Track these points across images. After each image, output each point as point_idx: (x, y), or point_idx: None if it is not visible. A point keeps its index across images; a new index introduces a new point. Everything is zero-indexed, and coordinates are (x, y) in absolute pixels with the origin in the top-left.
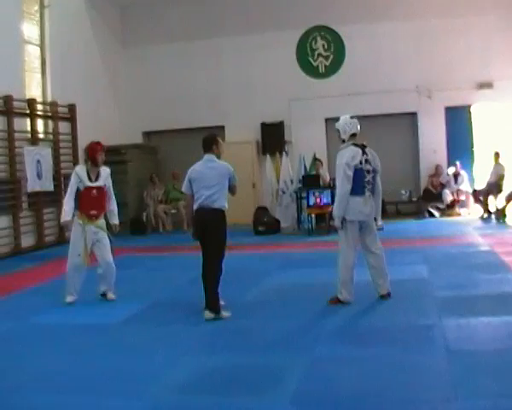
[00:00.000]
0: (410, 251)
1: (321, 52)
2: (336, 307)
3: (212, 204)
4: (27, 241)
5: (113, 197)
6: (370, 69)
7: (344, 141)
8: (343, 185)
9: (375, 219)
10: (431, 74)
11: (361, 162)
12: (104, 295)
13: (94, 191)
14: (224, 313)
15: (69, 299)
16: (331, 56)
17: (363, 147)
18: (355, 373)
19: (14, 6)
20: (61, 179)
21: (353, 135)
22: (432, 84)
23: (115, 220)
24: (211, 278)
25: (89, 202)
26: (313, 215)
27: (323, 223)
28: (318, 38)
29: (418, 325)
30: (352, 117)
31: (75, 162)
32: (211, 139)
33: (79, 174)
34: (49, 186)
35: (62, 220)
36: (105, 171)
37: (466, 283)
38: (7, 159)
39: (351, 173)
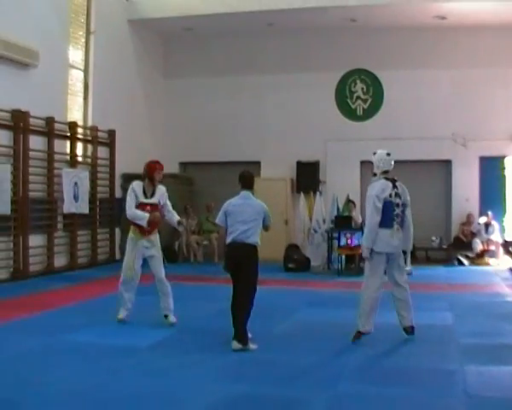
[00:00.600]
0: (436, 297)
1: (359, 95)
2: (360, 346)
3: (247, 239)
4: (60, 261)
5: (172, 210)
6: (407, 115)
7: (375, 174)
8: (372, 217)
9: (405, 259)
10: (467, 123)
11: (390, 195)
12: (166, 316)
13: (148, 207)
14: (252, 346)
15: (121, 315)
16: (369, 100)
17: (393, 181)
18: None
19: (61, 30)
20: (96, 203)
21: (385, 171)
22: (467, 133)
23: (176, 217)
24: (242, 311)
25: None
26: (343, 256)
27: (353, 264)
28: (358, 81)
29: (440, 369)
30: (388, 154)
31: (112, 187)
32: (251, 177)
33: (135, 190)
34: (84, 209)
35: (148, 218)
36: (160, 189)
37: (490, 331)
38: (45, 179)
39: (380, 205)
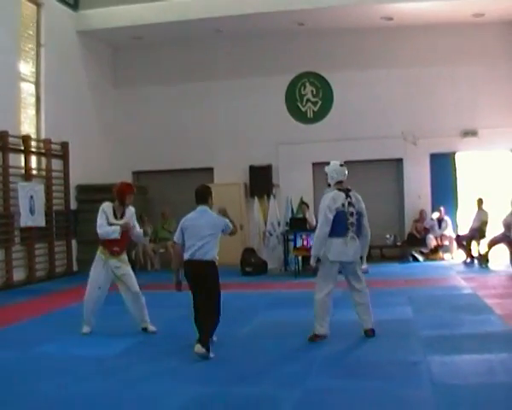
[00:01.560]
0: (394, 293)
1: (309, 98)
2: (324, 343)
3: (204, 256)
4: (18, 275)
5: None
6: (358, 116)
7: (329, 185)
8: (321, 227)
9: (361, 260)
10: (417, 121)
11: (343, 205)
12: (145, 329)
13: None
14: (211, 354)
15: (85, 329)
16: (319, 102)
17: (347, 191)
18: (345, 405)
19: (11, 43)
20: (52, 215)
21: (339, 182)
22: (417, 131)
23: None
24: (208, 323)
25: (112, 239)
26: (300, 257)
27: (309, 264)
28: (307, 84)
29: (404, 361)
30: (341, 165)
31: (67, 199)
32: (205, 191)
33: (106, 211)
34: (41, 222)
35: (120, 227)
36: (130, 210)
37: (450, 323)
38: (1, 193)
39: (331, 216)
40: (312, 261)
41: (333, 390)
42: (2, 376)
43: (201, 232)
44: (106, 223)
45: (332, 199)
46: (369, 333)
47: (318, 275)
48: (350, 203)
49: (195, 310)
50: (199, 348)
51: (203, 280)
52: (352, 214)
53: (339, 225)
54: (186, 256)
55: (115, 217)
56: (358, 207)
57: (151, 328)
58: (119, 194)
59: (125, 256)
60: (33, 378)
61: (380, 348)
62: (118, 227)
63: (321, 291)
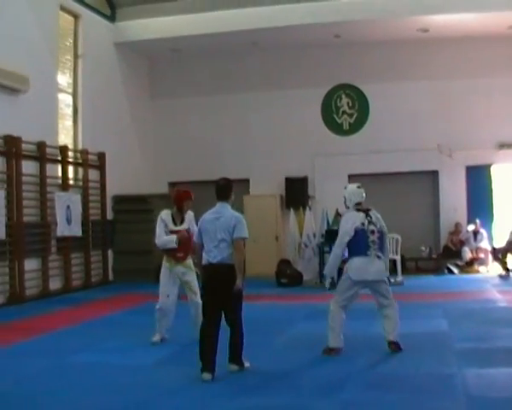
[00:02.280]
0: (429, 306)
1: (345, 110)
2: (359, 354)
3: (223, 260)
4: (55, 284)
5: None
6: (393, 127)
7: (348, 208)
8: (335, 249)
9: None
10: (452, 134)
11: (363, 224)
12: None
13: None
14: (246, 364)
15: (155, 338)
16: (355, 114)
17: (366, 211)
18: None
19: (49, 54)
20: (89, 225)
21: (358, 204)
22: (453, 144)
23: None
24: (236, 333)
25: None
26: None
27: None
28: (343, 96)
29: (439, 374)
30: (358, 187)
31: (103, 209)
32: (225, 185)
33: (164, 219)
34: (77, 231)
35: (176, 238)
36: (189, 215)
37: (485, 336)
38: (38, 203)
39: (346, 239)
40: (327, 283)
41: (367, 402)
42: (36, 384)
43: (218, 235)
44: (164, 232)
45: (351, 221)
46: (393, 347)
47: (337, 289)
48: (370, 222)
49: (206, 322)
50: (233, 367)
51: (222, 286)
52: (373, 232)
53: (359, 244)
54: (204, 261)
55: (174, 224)
56: (380, 225)
57: None
58: (176, 200)
59: (190, 262)
60: (66, 387)
61: (414, 360)
62: (174, 237)
63: (336, 303)
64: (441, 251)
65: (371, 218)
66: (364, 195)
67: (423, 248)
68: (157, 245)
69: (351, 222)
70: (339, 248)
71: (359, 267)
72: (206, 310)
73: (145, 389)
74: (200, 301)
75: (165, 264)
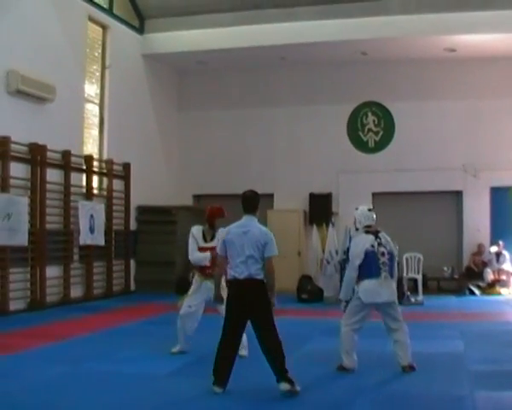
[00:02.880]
0: (448, 326)
1: (371, 127)
2: (372, 372)
3: (250, 275)
4: (76, 292)
5: None
6: (418, 146)
7: (357, 229)
8: (348, 272)
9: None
10: (477, 154)
11: (373, 246)
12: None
13: (207, 252)
14: (298, 387)
15: (175, 349)
16: (381, 132)
17: (376, 232)
18: None
19: (77, 65)
20: (112, 235)
21: (368, 226)
22: (478, 164)
23: None
24: (279, 347)
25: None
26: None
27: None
28: (369, 114)
29: (450, 395)
30: (369, 209)
31: (127, 219)
32: (252, 197)
33: (195, 235)
34: (100, 241)
35: (210, 256)
36: (220, 232)
37: (501, 358)
38: (62, 211)
39: (357, 262)
40: (342, 306)
41: None
42: (50, 390)
43: (245, 249)
44: (196, 248)
45: (358, 244)
46: (407, 369)
47: (348, 311)
48: (380, 244)
49: (225, 339)
50: (286, 386)
51: (251, 303)
52: (383, 254)
53: (370, 267)
54: (229, 276)
55: (205, 240)
56: (390, 247)
57: (242, 352)
58: (209, 217)
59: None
60: (78, 394)
61: (427, 380)
62: (208, 254)
63: (346, 325)
64: (463, 272)
65: (381, 240)
66: (375, 217)
67: (445, 268)
68: (191, 261)
69: (361, 245)
70: (351, 271)
71: (370, 290)
72: (228, 325)
73: (157, 399)
74: None
75: (196, 278)
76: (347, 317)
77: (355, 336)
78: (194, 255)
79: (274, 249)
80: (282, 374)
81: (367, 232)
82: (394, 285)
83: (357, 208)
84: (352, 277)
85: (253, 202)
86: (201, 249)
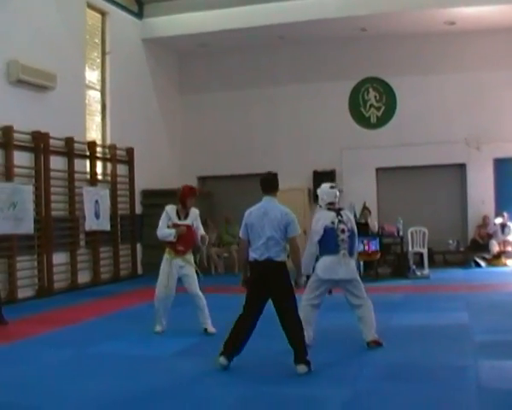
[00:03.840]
0: (453, 298)
1: (373, 103)
2: (376, 348)
3: (270, 256)
4: (83, 277)
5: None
6: (420, 120)
7: (320, 207)
8: (308, 248)
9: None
10: (480, 126)
11: (333, 222)
12: (206, 329)
13: (184, 228)
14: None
15: (157, 328)
16: (382, 107)
17: (338, 210)
18: (390, 406)
19: (77, 52)
20: (117, 220)
21: (330, 203)
22: (481, 136)
23: (202, 232)
24: (296, 330)
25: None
26: (362, 262)
27: (371, 270)
28: (370, 90)
29: (454, 365)
30: (332, 187)
31: (132, 204)
32: (271, 179)
33: (169, 213)
34: (106, 226)
35: (175, 230)
36: (194, 212)
37: (505, 328)
38: (67, 198)
39: (316, 238)
40: (303, 281)
41: (380, 392)
42: (58, 373)
43: (266, 230)
44: (166, 225)
45: (318, 220)
46: (372, 345)
47: (307, 287)
48: (341, 221)
49: (243, 316)
50: (303, 367)
51: (271, 283)
52: (343, 231)
53: (329, 243)
54: (251, 257)
55: (179, 218)
56: (351, 225)
57: (211, 329)
58: (181, 197)
59: (190, 257)
60: (85, 376)
61: (431, 351)
62: (173, 231)
63: (305, 300)
64: (468, 244)
65: (342, 217)
66: (338, 194)
67: (451, 241)
68: (158, 237)
69: (321, 221)
70: (311, 247)
71: (327, 266)
72: (248, 303)
73: (163, 378)
74: (197, 293)
75: (166, 255)
76: (306, 292)
77: (314, 311)
78: (162, 231)
79: (296, 229)
80: (299, 356)
81: (329, 209)
82: (353, 263)
83: (320, 186)
84: (311, 252)
85: (272, 183)
86: (175, 225)
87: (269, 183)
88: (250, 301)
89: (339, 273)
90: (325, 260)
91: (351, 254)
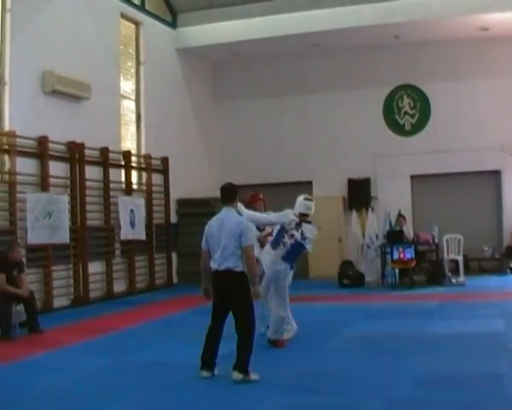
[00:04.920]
0: (489, 305)
1: (407, 110)
2: (412, 354)
3: (228, 266)
4: (119, 286)
5: None
6: (455, 127)
7: (295, 215)
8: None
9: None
10: None
11: (289, 224)
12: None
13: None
14: (253, 376)
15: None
16: (417, 115)
17: (305, 221)
18: None
19: (112, 62)
20: (152, 229)
21: (302, 214)
22: None
23: None
24: (243, 340)
25: None
26: (397, 270)
27: (407, 277)
28: (405, 97)
29: (489, 374)
30: (306, 199)
31: (167, 213)
32: (228, 189)
33: None
34: (141, 235)
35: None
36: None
37: None
38: (102, 207)
39: (273, 221)
40: (258, 289)
41: (414, 400)
42: (95, 382)
43: (222, 240)
44: None
45: (284, 215)
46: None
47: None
48: (296, 228)
49: (212, 326)
50: (237, 375)
51: (229, 293)
52: (291, 236)
53: (275, 238)
54: (212, 267)
55: None
56: (301, 239)
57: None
58: (248, 203)
59: None
60: (121, 385)
61: (466, 359)
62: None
63: None
64: (504, 251)
65: (301, 227)
66: (313, 209)
67: (486, 248)
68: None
69: (282, 216)
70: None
71: (264, 258)
72: (212, 314)
73: (195, 386)
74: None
75: None
76: None
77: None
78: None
79: (249, 239)
80: (239, 367)
81: (298, 217)
82: (281, 266)
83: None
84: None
85: (229, 193)
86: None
87: (226, 192)
88: (213, 311)
89: (268, 269)
90: (265, 251)
91: (283, 258)
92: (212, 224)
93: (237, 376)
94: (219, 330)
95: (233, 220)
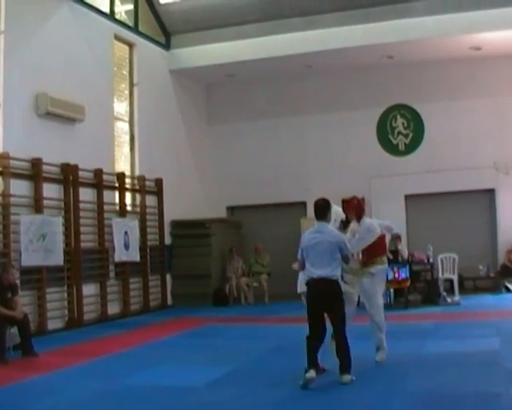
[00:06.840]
0: (484, 324)
1: (401, 130)
2: (409, 374)
3: (323, 274)
4: (113, 309)
5: None
6: (448, 147)
7: None
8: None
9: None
10: (508, 151)
11: None
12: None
13: None
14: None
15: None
16: (410, 134)
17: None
18: None
19: (106, 84)
20: (147, 250)
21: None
22: (509, 161)
23: None
24: (343, 346)
25: None
26: (392, 289)
27: (402, 297)
28: (398, 117)
29: (486, 393)
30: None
31: (161, 234)
32: (322, 205)
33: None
34: (135, 257)
35: None
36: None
37: None
38: (96, 229)
39: None
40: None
41: None
42: (89, 407)
43: (319, 251)
44: None
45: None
46: None
47: None
48: None
49: (311, 335)
50: (347, 378)
51: (325, 300)
52: None
53: None
54: (306, 277)
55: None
56: None
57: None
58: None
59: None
60: (118, 409)
61: (462, 379)
62: None
63: None
64: (499, 270)
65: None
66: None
67: (481, 267)
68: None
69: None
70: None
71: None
72: (308, 320)
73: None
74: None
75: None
76: None
77: None
78: None
79: (347, 248)
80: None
81: None
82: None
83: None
84: None
85: (323, 210)
86: None
87: (321, 210)
88: (310, 317)
89: None
90: None
91: None
92: (307, 236)
93: (347, 378)
94: (318, 333)
95: (327, 233)
